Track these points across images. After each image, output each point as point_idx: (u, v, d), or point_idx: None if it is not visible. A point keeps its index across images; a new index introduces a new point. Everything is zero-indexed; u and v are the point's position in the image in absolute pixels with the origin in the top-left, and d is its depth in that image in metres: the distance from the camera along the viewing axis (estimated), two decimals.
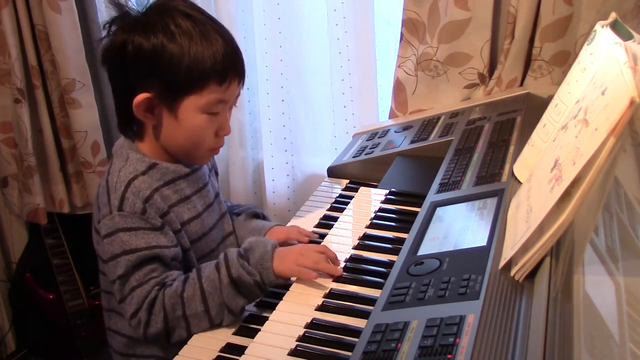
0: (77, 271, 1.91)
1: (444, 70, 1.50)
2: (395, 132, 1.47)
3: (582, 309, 0.64)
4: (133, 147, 1.04)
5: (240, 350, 0.87)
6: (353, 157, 1.41)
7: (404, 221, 1.12)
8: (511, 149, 1.13)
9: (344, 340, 0.86)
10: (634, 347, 0.56)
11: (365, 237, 1.11)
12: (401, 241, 0.99)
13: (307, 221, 1.22)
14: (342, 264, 1.02)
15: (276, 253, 0.97)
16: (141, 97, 0.97)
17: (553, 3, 1.34)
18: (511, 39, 1.41)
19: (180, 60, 0.95)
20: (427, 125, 1.43)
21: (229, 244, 1.14)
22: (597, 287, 0.66)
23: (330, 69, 1.64)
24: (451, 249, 0.88)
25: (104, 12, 1.72)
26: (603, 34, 0.90)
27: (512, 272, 0.76)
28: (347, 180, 1.39)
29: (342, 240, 1.11)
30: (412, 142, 1.37)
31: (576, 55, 1.07)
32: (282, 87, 1.69)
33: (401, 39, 1.51)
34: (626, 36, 0.87)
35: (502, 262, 0.78)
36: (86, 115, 1.74)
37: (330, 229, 1.16)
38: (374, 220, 1.16)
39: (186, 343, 0.92)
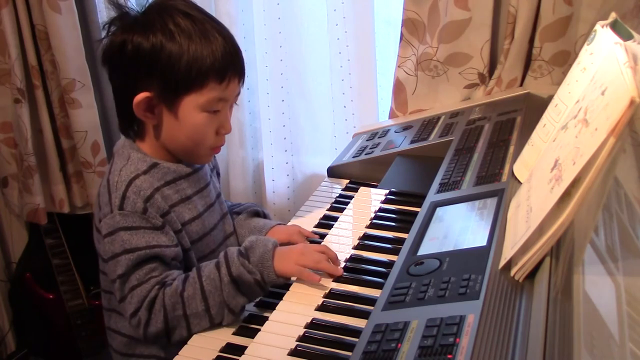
0: (77, 271, 1.91)
1: (444, 70, 1.50)
2: (395, 132, 1.47)
3: (582, 309, 0.64)
4: (134, 147, 1.04)
5: (240, 350, 0.87)
6: (353, 157, 1.41)
7: (404, 221, 1.12)
8: (511, 149, 1.13)
9: (344, 340, 0.86)
10: (634, 347, 0.56)
11: (365, 237, 1.11)
12: (401, 241, 0.99)
13: (307, 221, 1.22)
14: (342, 264, 1.02)
15: (277, 252, 0.97)
16: (141, 96, 0.97)
17: (553, 3, 1.34)
18: (511, 39, 1.41)
19: (179, 59, 0.95)
20: (427, 125, 1.43)
21: (229, 245, 1.13)
22: (597, 287, 0.66)
23: (330, 69, 1.64)
24: (451, 249, 0.88)
25: (104, 12, 1.72)
26: (603, 34, 0.90)
27: (512, 272, 0.76)
28: (347, 180, 1.39)
29: (342, 240, 1.11)
30: (412, 142, 1.37)
31: (576, 55, 1.07)
32: (282, 87, 1.69)
33: (401, 39, 1.51)
34: (626, 36, 0.87)
35: (502, 262, 0.78)
36: (86, 115, 1.74)
37: (330, 229, 1.16)
38: (374, 220, 1.16)
39: (186, 343, 0.92)
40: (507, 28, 1.40)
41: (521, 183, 0.97)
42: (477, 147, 1.19)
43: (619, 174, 0.73)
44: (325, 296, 0.95)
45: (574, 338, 0.61)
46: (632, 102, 0.62)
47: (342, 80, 1.63)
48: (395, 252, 0.98)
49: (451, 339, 0.68)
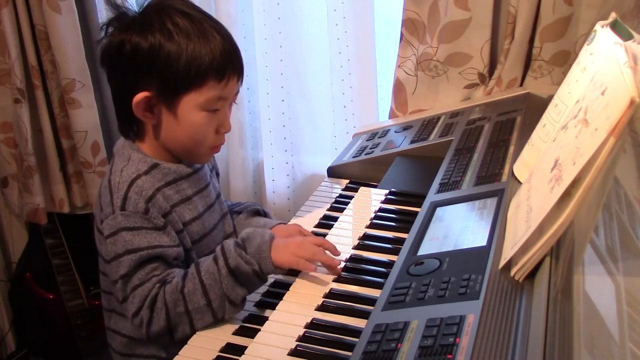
0: (77, 271, 1.91)
1: (444, 70, 1.50)
2: (395, 132, 1.47)
3: (582, 309, 0.64)
4: (134, 147, 1.04)
5: (240, 350, 0.87)
6: (353, 157, 1.41)
7: (404, 221, 1.12)
8: (511, 149, 1.13)
9: (344, 340, 0.86)
10: (634, 347, 0.56)
11: (365, 237, 1.11)
12: (401, 241, 0.99)
13: (307, 221, 1.22)
14: (342, 264, 1.02)
15: (274, 243, 0.97)
16: (140, 96, 0.97)
17: (553, 3, 1.34)
18: (511, 39, 1.41)
19: (178, 58, 0.95)
20: (427, 125, 1.43)
21: None
22: (597, 287, 0.66)
23: (330, 69, 1.64)
24: (451, 249, 0.88)
25: (104, 12, 1.72)
26: (603, 34, 0.90)
27: (512, 272, 0.76)
28: (347, 180, 1.39)
29: (342, 240, 1.11)
30: (412, 142, 1.37)
31: (576, 55, 1.07)
32: (282, 87, 1.69)
33: (401, 39, 1.51)
34: (626, 36, 0.87)
35: (502, 262, 0.78)
36: (86, 115, 1.74)
37: (330, 229, 1.16)
38: (374, 220, 1.16)
39: (186, 343, 0.91)
40: (507, 28, 1.40)
41: (521, 183, 0.97)
42: (477, 147, 1.19)
43: (619, 174, 0.73)
44: (325, 296, 0.95)
45: (574, 338, 0.61)
46: (632, 102, 0.62)
47: (342, 80, 1.63)
48: (395, 252, 0.98)
49: (451, 339, 0.68)
